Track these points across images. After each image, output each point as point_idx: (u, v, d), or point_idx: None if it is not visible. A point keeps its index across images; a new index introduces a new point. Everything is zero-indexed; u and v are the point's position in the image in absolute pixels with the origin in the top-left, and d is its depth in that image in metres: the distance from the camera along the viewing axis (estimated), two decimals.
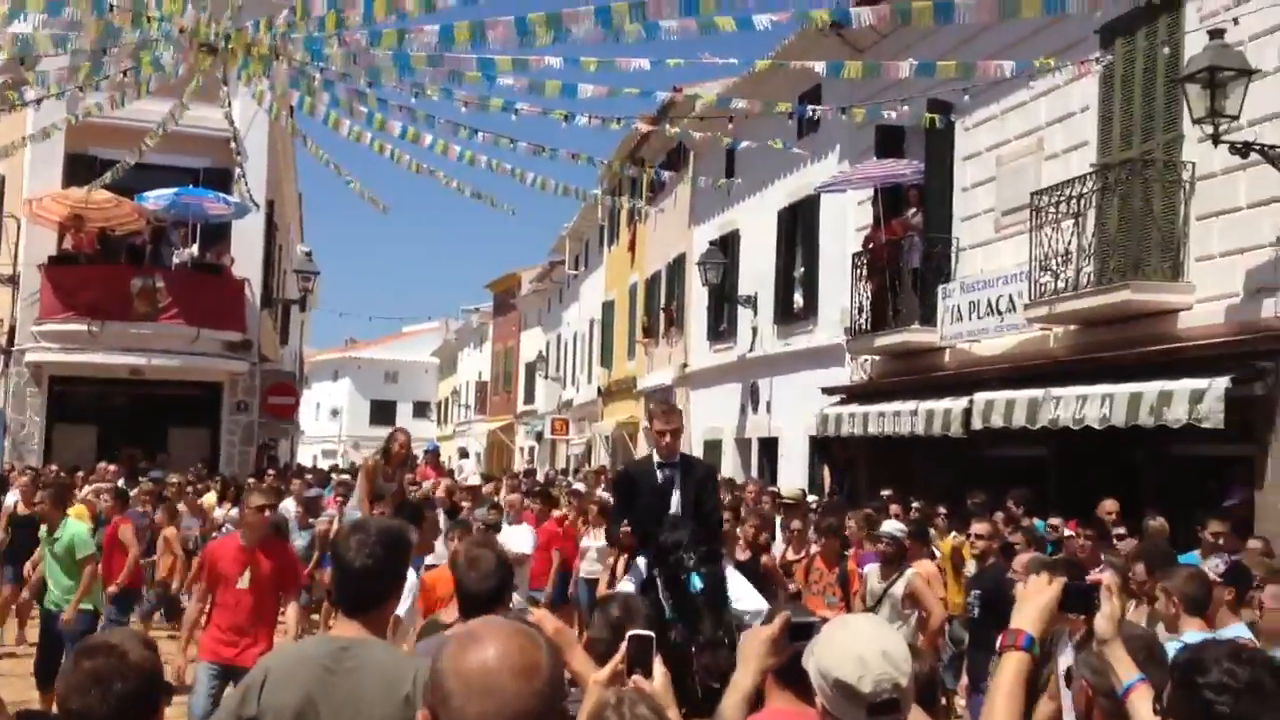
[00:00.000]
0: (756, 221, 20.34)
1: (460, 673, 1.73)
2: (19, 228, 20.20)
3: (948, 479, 13.38)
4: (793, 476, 17.77)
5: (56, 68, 9.53)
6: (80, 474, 15.92)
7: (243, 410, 21.81)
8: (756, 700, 2.90)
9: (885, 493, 12.93)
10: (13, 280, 20.12)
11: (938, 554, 10.30)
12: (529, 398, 42.47)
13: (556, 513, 13.30)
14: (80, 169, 18.51)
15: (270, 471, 19.50)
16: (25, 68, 9.63)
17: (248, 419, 21.92)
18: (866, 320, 15.46)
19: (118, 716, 2.65)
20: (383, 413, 62.57)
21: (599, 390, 31.61)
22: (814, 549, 9.70)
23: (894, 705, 2.44)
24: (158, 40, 8.55)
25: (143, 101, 11.22)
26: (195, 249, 20.40)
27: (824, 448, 17.02)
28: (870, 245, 15.53)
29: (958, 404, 12.85)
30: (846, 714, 2.44)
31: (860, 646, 2.46)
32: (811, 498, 15.19)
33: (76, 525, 9.46)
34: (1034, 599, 2.72)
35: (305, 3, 6.89)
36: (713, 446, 22.12)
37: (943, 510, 11.50)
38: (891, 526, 8.87)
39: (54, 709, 2.79)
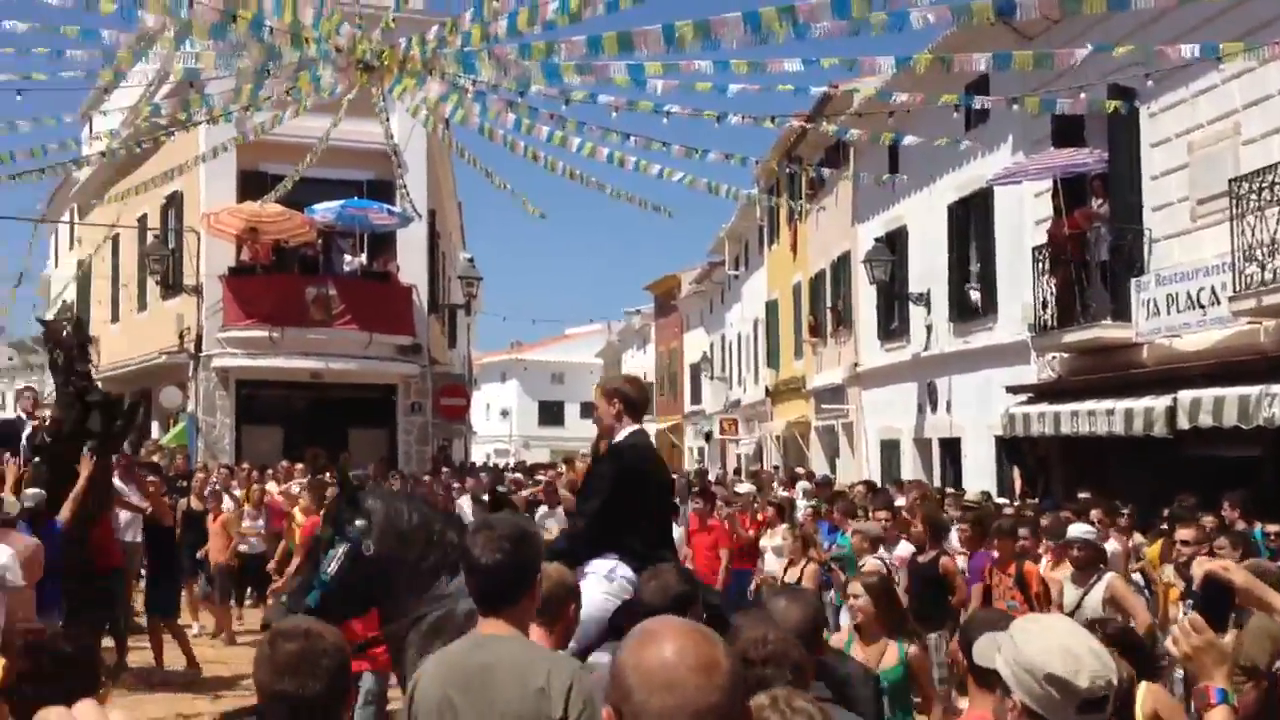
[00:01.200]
0: (925, 217, 19.63)
1: (641, 669, 1.74)
2: (199, 241, 21.02)
3: (1148, 481, 12.56)
4: (978, 477, 17.15)
5: (220, 90, 9.72)
6: (270, 472, 16.66)
7: (417, 411, 22.30)
8: None
9: (1083, 495, 12.16)
10: (197, 290, 20.96)
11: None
12: (695, 398, 42.34)
13: (724, 512, 13.43)
14: (252, 184, 19.10)
15: (445, 469, 19.93)
16: (194, 90, 9.88)
17: (422, 419, 22.40)
18: (1052, 316, 14.67)
19: (329, 692, 2.74)
20: (551, 413, 63.42)
21: (767, 390, 31.21)
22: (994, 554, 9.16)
23: (1105, 703, 2.36)
24: (316, 60, 8.61)
25: (308, 119, 11.39)
26: (364, 258, 20.88)
27: (1013, 448, 16.21)
28: (1053, 238, 14.70)
29: (1160, 402, 12.03)
30: (1055, 711, 2.35)
31: (1067, 641, 2.39)
32: (1001, 500, 14.56)
33: None
34: (1198, 652, 2.67)
35: (454, 19, 6.76)
36: (890, 446, 21.51)
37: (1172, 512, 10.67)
38: (1080, 530, 8.12)
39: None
